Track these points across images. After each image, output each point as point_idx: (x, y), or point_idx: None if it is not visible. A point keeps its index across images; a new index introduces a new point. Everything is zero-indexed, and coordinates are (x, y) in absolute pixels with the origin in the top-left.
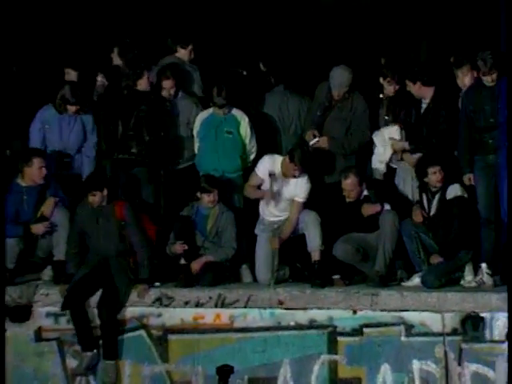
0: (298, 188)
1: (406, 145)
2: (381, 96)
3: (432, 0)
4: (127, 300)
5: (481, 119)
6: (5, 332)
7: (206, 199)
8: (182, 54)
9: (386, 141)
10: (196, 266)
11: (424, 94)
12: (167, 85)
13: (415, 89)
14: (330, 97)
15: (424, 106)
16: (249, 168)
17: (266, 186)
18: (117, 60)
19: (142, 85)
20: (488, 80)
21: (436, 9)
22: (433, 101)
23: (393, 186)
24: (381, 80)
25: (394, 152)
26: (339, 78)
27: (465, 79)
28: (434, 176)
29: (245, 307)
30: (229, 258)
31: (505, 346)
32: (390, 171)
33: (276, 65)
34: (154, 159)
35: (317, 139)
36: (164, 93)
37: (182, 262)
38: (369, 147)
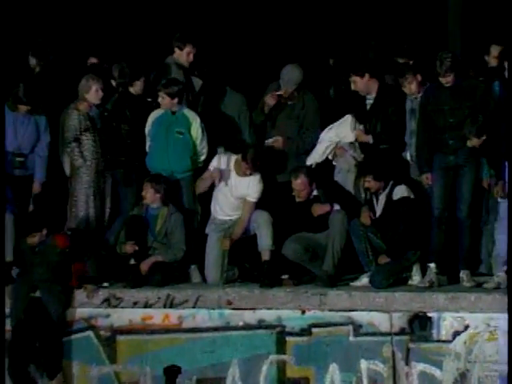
0: (250, 187)
1: (369, 138)
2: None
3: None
4: (64, 321)
5: (440, 119)
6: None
7: (149, 197)
8: (178, 55)
9: (336, 136)
10: (144, 266)
11: (370, 88)
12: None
13: (363, 83)
14: (280, 95)
15: (370, 101)
16: (199, 169)
17: (219, 185)
18: (32, 61)
19: (136, 88)
20: (443, 81)
21: (384, 10)
22: (378, 96)
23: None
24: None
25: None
26: (289, 75)
27: (411, 87)
28: (367, 183)
29: (193, 307)
30: (177, 259)
31: (452, 345)
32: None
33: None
34: (130, 161)
35: (273, 139)
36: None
37: (132, 262)
38: None
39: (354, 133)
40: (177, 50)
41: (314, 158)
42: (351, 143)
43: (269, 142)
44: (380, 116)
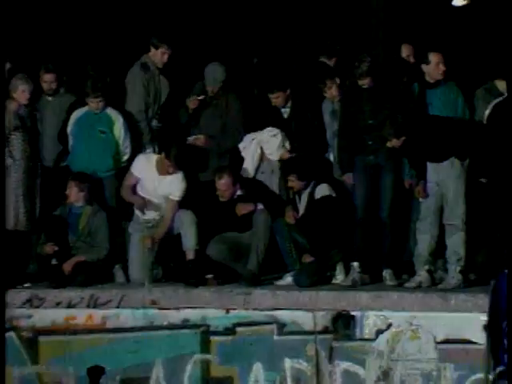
0: (172, 186)
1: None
2: None
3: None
4: None
5: (360, 120)
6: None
7: (73, 195)
8: (153, 54)
9: (262, 149)
10: (67, 266)
11: (288, 98)
12: (47, 78)
13: (285, 96)
14: (205, 93)
15: (287, 110)
16: (123, 168)
17: (141, 184)
18: None
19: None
20: (360, 84)
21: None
22: (295, 104)
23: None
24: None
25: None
26: (213, 74)
27: (331, 91)
28: (291, 183)
29: (117, 307)
30: (101, 258)
31: (375, 344)
32: None
33: None
34: (32, 157)
35: (195, 137)
36: (44, 86)
37: (54, 262)
38: None
39: (279, 151)
40: (152, 49)
41: (247, 172)
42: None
43: (190, 139)
44: (299, 123)
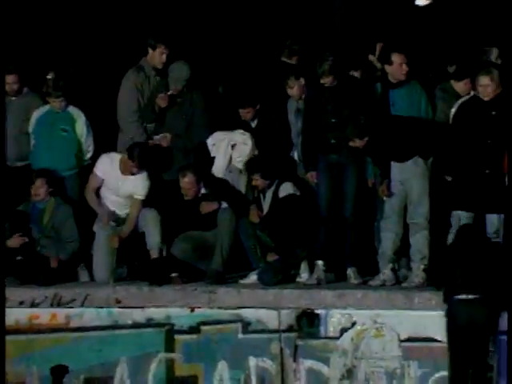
0: (137, 185)
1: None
2: None
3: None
4: None
5: (323, 118)
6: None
7: (40, 191)
8: (151, 55)
9: (232, 151)
10: (54, 262)
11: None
12: (9, 80)
13: (254, 111)
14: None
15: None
16: (85, 166)
17: (105, 184)
18: None
19: None
20: (322, 82)
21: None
22: (261, 116)
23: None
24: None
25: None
26: (177, 72)
27: (293, 91)
28: (255, 182)
29: (81, 306)
30: (75, 250)
31: (339, 342)
32: None
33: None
34: None
35: (161, 135)
36: (6, 87)
37: (19, 258)
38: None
39: (247, 158)
40: (150, 50)
41: (218, 170)
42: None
43: (156, 138)
44: (263, 122)
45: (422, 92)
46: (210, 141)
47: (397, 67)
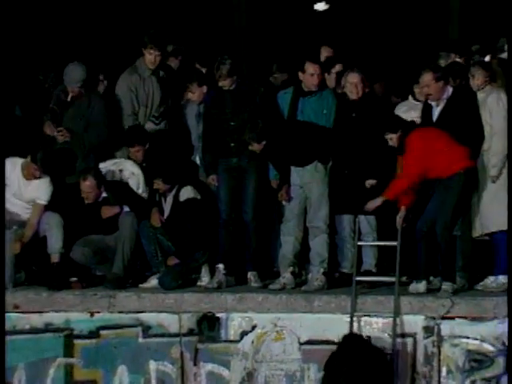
0: (39, 190)
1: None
2: None
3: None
4: None
5: (223, 122)
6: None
7: None
8: (144, 56)
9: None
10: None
11: None
12: None
13: None
14: (66, 93)
15: None
16: None
17: (8, 189)
18: None
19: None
20: (220, 85)
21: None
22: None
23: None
24: None
25: None
26: (71, 74)
27: (194, 96)
28: (156, 185)
29: None
30: None
31: (239, 345)
32: None
33: None
34: None
35: (59, 128)
36: None
37: None
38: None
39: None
40: (144, 51)
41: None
42: None
43: (56, 135)
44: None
45: (334, 101)
46: (102, 165)
47: (308, 77)
